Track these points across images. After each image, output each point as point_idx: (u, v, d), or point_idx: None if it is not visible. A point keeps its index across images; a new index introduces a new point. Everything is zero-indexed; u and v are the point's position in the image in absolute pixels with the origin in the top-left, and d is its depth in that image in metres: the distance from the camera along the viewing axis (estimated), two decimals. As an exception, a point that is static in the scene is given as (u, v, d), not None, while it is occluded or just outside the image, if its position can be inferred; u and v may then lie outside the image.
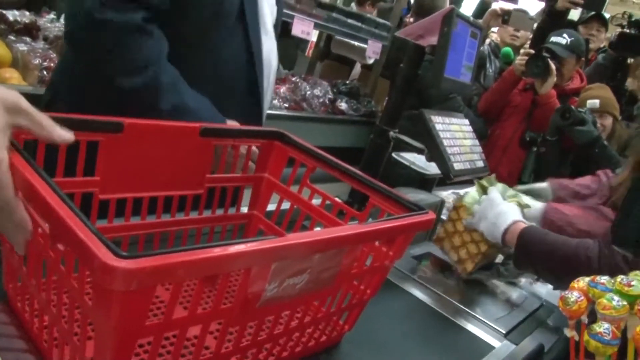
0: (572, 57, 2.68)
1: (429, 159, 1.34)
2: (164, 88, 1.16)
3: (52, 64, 2.10)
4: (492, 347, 1.07)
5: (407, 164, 1.65)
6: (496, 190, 1.21)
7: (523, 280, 1.45)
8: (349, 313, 0.89)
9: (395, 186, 1.51)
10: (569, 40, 2.68)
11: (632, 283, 0.57)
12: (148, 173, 0.87)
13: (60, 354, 0.62)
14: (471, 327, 1.13)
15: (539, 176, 2.41)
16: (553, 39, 2.70)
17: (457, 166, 1.31)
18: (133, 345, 0.54)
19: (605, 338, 0.55)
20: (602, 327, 0.55)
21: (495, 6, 3.44)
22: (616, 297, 0.57)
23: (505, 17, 3.19)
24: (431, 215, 0.82)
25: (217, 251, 0.52)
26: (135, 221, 0.89)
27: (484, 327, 1.14)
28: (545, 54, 2.60)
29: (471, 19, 1.48)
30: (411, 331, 1.07)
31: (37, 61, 2.11)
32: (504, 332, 1.13)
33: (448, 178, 1.30)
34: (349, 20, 3.30)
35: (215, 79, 1.28)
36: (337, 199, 0.99)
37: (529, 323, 1.22)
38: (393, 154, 1.64)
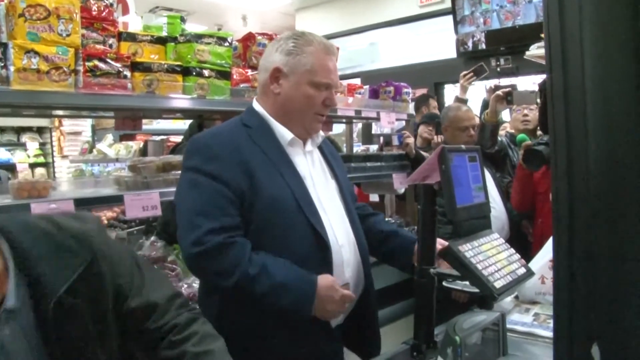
0: None
1: (472, 284, 1.41)
2: (255, 278, 1.55)
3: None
4: None
5: (460, 288, 1.72)
6: None
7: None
8: None
9: (455, 314, 1.57)
10: None
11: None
12: None
13: None
14: None
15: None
16: None
17: (499, 284, 1.36)
18: None
19: None
20: None
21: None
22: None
23: (508, 98, 3.33)
24: None
25: None
26: None
27: None
28: (535, 148, 2.65)
29: (463, 147, 1.63)
30: None
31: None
32: None
33: (493, 299, 1.36)
34: (368, 164, 3.54)
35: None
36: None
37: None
38: (444, 283, 1.72)
